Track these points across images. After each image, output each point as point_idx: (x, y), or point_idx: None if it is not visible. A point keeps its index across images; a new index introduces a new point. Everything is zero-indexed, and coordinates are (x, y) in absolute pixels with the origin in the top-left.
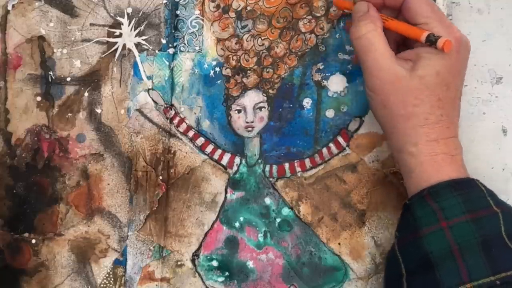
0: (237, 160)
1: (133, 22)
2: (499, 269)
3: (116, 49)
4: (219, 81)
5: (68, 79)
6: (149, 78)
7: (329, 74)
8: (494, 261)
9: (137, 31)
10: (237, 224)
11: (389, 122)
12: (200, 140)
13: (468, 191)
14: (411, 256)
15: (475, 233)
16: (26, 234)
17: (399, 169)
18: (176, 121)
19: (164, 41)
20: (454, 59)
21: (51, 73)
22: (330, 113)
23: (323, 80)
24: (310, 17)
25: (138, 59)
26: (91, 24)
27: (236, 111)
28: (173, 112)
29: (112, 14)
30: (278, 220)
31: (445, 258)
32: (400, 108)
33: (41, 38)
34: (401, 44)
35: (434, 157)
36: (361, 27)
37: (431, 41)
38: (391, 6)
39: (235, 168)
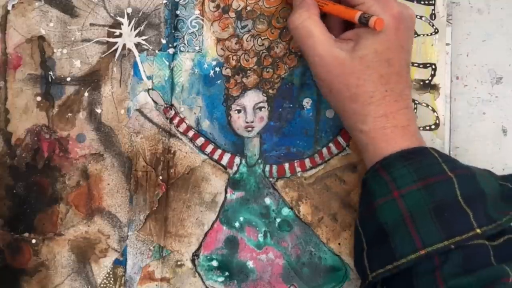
0: (237, 160)
1: (133, 22)
2: (453, 233)
3: (116, 49)
4: (219, 81)
5: (68, 79)
6: (149, 78)
7: None
8: (448, 226)
9: (137, 31)
10: (237, 224)
11: (338, 104)
12: (200, 140)
13: (420, 159)
14: (369, 228)
15: (426, 200)
16: (26, 234)
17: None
18: (176, 121)
19: (164, 41)
20: (392, 35)
21: (51, 73)
22: (330, 113)
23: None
24: None
25: (138, 59)
26: (91, 24)
27: (236, 111)
28: (173, 112)
29: (112, 14)
30: (278, 220)
31: (398, 227)
32: (345, 90)
33: (41, 38)
34: (348, 26)
35: (384, 131)
36: (297, 17)
37: (364, 21)
38: None
39: (235, 168)
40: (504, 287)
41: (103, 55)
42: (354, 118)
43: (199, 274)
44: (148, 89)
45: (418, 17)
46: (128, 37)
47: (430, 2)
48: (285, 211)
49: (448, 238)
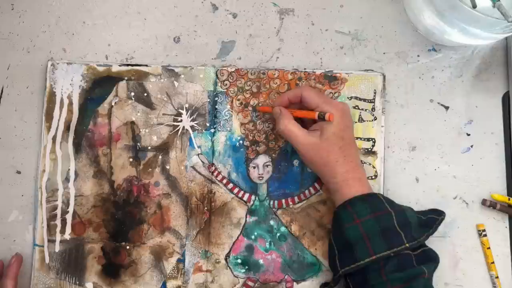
0: (253, 197)
1: (189, 112)
2: (392, 246)
3: (179, 129)
4: (242, 149)
5: (149, 147)
6: (199, 147)
7: None
8: (389, 241)
9: (191, 118)
10: (253, 237)
11: (316, 168)
12: (230, 185)
13: (371, 200)
14: (339, 241)
15: (376, 225)
16: (123, 243)
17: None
18: (215, 173)
19: (208, 124)
20: (340, 121)
21: (138, 144)
22: (310, 169)
23: None
24: None
25: (192, 135)
26: (163, 114)
27: (252, 167)
28: (213, 168)
29: (176, 108)
30: (278, 234)
31: (358, 241)
32: (319, 160)
33: (132, 122)
34: (312, 121)
35: (347, 181)
36: (281, 124)
37: (321, 117)
38: (295, 102)
39: (251, 202)
40: (422, 281)
41: (170, 133)
42: (327, 175)
43: (230, 268)
44: (198, 154)
45: (364, 109)
46: (186, 122)
47: (372, 100)
48: (282, 229)
49: (389, 249)
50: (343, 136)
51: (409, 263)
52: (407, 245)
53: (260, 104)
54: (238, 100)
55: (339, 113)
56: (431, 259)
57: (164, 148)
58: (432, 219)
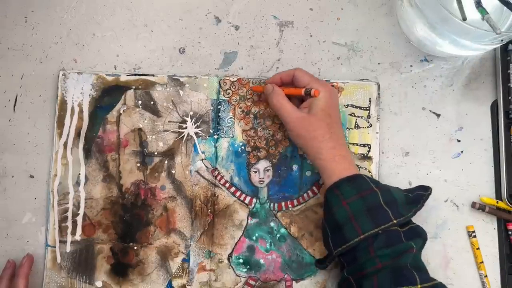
0: (254, 200)
1: (193, 120)
2: (379, 223)
3: (183, 136)
4: (243, 155)
5: (156, 153)
6: (203, 152)
7: None
8: (376, 219)
9: (196, 125)
10: (254, 238)
11: (303, 144)
12: (233, 189)
13: (357, 182)
14: (330, 223)
15: (362, 205)
16: (131, 244)
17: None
18: (218, 177)
19: (211, 131)
20: (329, 99)
21: (145, 149)
22: (308, 173)
23: (304, 154)
24: None
25: (196, 142)
26: (169, 121)
27: (254, 172)
28: (217, 172)
29: (181, 115)
30: (278, 235)
31: (346, 222)
32: (307, 135)
33: (140, 129)
34: (301, 100)
35: (334, 157)
36: (273, 98)
37: (308, 93)
38: (286, 82)
39: (253, 205)
40: (410, 255)
41: (176, 139)
42: (314, 151)
43: (232, 267)
44: (202, 159)
45: (360, 117)
46: (190, 128)
47: (367, 108)
48: (282, 230)
49: (376, 227)
50: (330, 113)
51: (397, 239)
52: (394, 221)
53: (260, 112)
54: (240, 108)
55: (327, 93)
56: (419, 235)
57: (170, 153)
58: (419, 195)
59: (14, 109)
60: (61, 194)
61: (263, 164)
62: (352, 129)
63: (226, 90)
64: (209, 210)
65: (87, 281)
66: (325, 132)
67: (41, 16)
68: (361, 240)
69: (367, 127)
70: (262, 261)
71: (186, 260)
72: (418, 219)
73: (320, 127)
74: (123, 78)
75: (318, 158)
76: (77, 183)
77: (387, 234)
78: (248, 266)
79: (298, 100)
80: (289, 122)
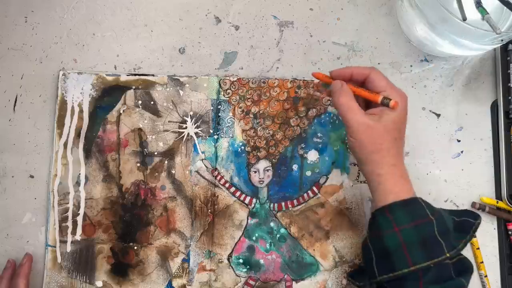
0: (254, 200)
1: (193, 120)
2: (432, 256)
3: (183, 136)
4: (243, 154)
5: (156, 153)
6: (202, 152)
7: (308, 150)
8: (429, 252)
9: (196, 125)
10: (254, 238)
11: (364, 155)
12: (232, 189)
13: (412, 207)
14: (376, 246)
15: (415, 234)
16: (131, 243)
17: (369, 188)
18: (218, 177)
19: (211, 131)
20: (402, 112)
21: (145, 149)
22: (308, 173)
23: (304, 154)
24: (296, 116)
25: (196, 141)
26: (169, 121)
27: (253, 172)
28: (217, 172)
29: (181, 115)
30: (278, 235)
31: (397, 250)
32: (370, 145)
33: (140, 129)
34: (368, 102)
35: (393, 176)
36: (340, 98)
37: (385, 103)
38: (357, 81)
39: (253, 205)
40: None
41: (176, 139)
42: (373, 165)
43: (232, 267)
44: (202, 159)
45: None
46: (190, 128)
47: None
48: (282, 230)
49: (429, 260)
50: (400, 128)
51: (448, 274)
52: (447, 255)
53: (260, 112)
54: (240, 108)
55: (404, 104)
56: (468, 269)
57: (170, 153)
58: (467, 222)
59: (14, 109)
60: (61, 194)
61: (263, 164)
62: None
63: (226, 90)
64: (209, 210)
65: (88, 281)
66: (391, 147)
67: (41, 16)
68: (411, 271)
69: None
70: (262, 261)
71: (186, 260)
72: None
73: (387, 141)
74: (123, 78)
75: (376, 174)
76: (77, 183)
77: (438, 268)
78: (248, 266)
79: (362, 101)
80: (353, 128)
